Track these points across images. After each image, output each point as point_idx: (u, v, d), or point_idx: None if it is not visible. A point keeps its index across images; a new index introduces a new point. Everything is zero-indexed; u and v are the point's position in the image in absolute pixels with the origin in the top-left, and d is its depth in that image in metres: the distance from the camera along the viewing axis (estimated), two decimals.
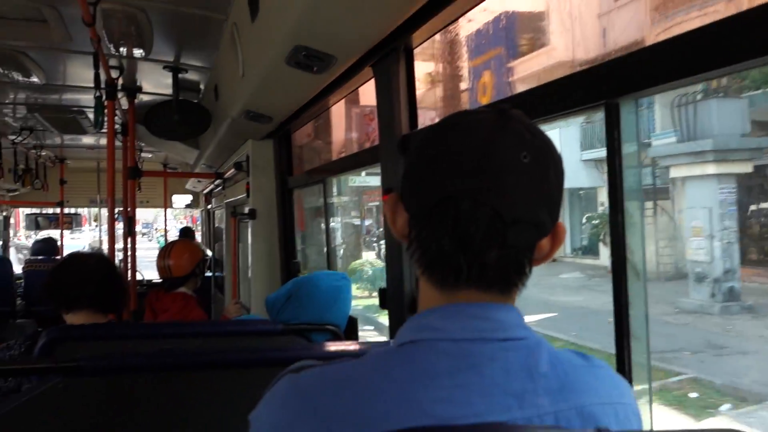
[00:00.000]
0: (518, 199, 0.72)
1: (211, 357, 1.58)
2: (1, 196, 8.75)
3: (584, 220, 15.09)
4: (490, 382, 0.70)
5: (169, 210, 8.91)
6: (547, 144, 0.77)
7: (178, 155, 6.66)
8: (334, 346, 1.67)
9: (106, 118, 3.27)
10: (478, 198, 0.72)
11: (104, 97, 3.60)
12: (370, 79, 2.30)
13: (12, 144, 6.59)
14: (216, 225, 7.57)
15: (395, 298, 2.17)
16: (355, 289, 7.45)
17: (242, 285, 4.91)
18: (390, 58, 2.10)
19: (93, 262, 2.34)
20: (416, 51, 2.13)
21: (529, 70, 2.79)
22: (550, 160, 0.76)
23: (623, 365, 1.14)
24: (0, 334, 6.30)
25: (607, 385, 0.78)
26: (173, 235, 10.80)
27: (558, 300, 10.91)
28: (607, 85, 1.20)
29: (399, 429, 0.65)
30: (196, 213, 13.23)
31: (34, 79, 4.18)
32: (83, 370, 1.44)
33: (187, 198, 9.93)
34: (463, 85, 2.62)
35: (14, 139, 6.48)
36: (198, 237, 9.20)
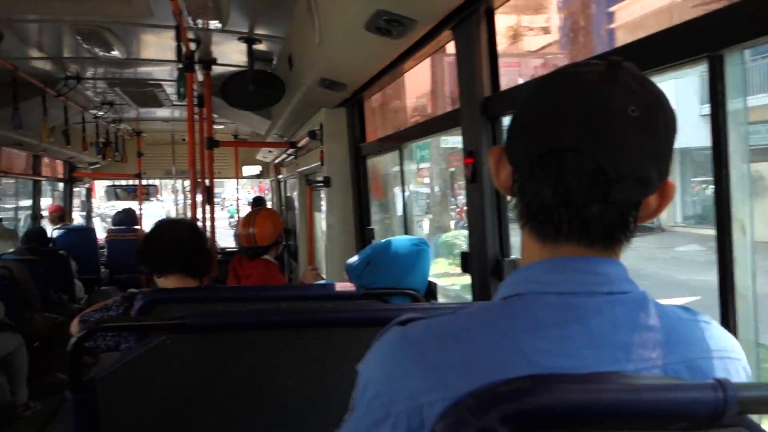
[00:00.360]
0: (624, 153, 0.71)
1: (309, 317, 1.63)
2: (83, 168, 9.16)
3: (699, 184, 13.72)
4: (598, 333, 0.70)
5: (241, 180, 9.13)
6: (659, 97, 0.75)
7: (250, 126, 6.80)
8: (432, 306, 1.70)
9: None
10: (582, 151, 0.71)
11: (184, 70, 3.70)
12: (449, 41, 2.29)
13: (94, 118, 6.86)
14: (287, 194, 7.72)
15: (478, 262, 2.19)
16: (446, 266, 7.26)
17: (316, 252, 5.02)
18: (471, 20, 2.08)
19: (184, 228, 2.45)
20: (498, 10, 2.11)
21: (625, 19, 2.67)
22: (661, 115, 0.74)
23: (728, 323, 1.13)
24: (87, 300, 6.68)
25: (715, 339, 0.77)
26: (243, 205, 11.04)
27: (691, 279, 9.24)
28: (711, 36, 1.17)
29: (510, 378, 0.65)
30: (264, 183, 13.48)
31: (116, 54, 4.33)
32: (188, 328, 1.51)
33: (256, 169, 10.14)
34: (550, 39, 2.57)
35: (96, 113, 6.75)
36: (268, 206, 9.39)
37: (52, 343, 5.27)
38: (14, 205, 7.51)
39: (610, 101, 0.72)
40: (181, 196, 10.94)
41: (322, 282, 3.44)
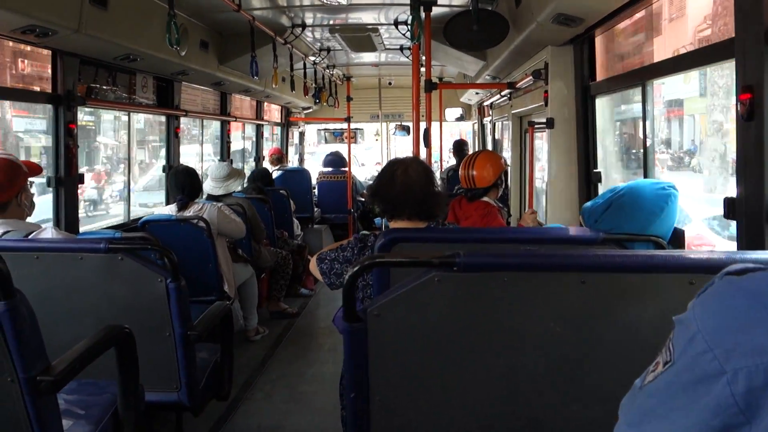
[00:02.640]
0: None
1: (580, 260, 1.58)
2: (297, 113, 9.77)
3: None
4: None
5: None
6: None
7: (460, 67, 6.76)
8: (714, 253, 1.57)
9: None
10: None
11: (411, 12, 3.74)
12: None
13: (312, 64, 7.24)
14: (494, 137, 7.63)
15: (748, 207, 1.99)
16: None
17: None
18: None
19: (414, 172, 2.40)
20: None
21: None
22: None
23: None
24: (303, 237, 7.20)
25: None
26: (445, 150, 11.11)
27: None
28: None
29: None
30: (462, 126, 13.45)
31: (340, 0, 4.50)
32: (458, 266, 1.54)
33: (457, 111, 10.14)
34: None
35: (314, 59, 7.11)
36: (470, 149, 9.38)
37: (276, 274, 5.77)
38: (241, 148, 8.21)
39: None
40: (384, 140, 11.25)
41: (551, 226, 3.36)
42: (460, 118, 10.25)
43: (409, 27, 3.65)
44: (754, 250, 1.92)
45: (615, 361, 1.50)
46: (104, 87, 4.33)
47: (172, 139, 5.27)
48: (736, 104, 1.98)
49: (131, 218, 4.97)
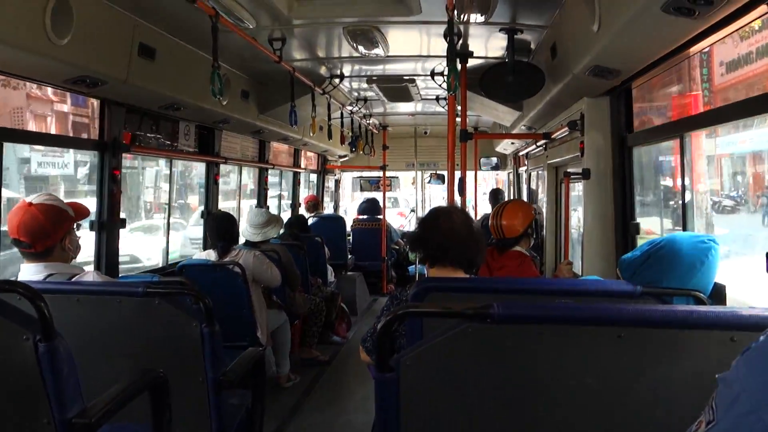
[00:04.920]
0: None
1: (615, 314, 1.56)
2: (333, 161, 9.91)
3: None
4: None
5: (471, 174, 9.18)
6: None
7: (496, 117, 6.81)
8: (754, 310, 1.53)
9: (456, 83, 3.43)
10: None
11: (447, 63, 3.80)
12: (763, 16, 2.05)
13: (349, 114, 7.38)
14: (529, 186, 7.62)
15: None
16: None
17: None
18: None
19: (458, 220, 2.43)
20: None
21: None
22: None
23: None
24: (336, 285, 7.20)
25: None
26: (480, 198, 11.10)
27: None
28: None
29: None
30: (497, 175, 13.45)
31: (378, 51, 4.60)
32: (492, 317, 1.52)
33: (492, 161, 10.16)
34: None
35: (351, 109, 7.25)
36: (505, 197, 9.36)
37: (309, 322, 5.77)
38: (277, 193, 8.34)
39: None
40: (419, 188, 11.30)
41: (588, 278, 3.31)
42: (495, 167, 10.27)
43: (445, 78, 3.71)
44: None
45: (650, 418, 1.46)
46: (148, 134, 4.47)
47: (212, 186, 5.38)
48: None
49: (169, 262, 5.06)
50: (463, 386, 1.63)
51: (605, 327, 1.60)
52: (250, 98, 5.27)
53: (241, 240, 4.85)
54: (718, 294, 2.44)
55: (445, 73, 3.66)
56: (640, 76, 3.21)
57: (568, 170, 4.19)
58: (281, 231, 6.26)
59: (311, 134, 5.85)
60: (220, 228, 4.32)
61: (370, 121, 8.58)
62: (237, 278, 4.07)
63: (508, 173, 9.36)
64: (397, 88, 6.15)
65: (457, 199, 4.60)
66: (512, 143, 7.49)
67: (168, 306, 2.38)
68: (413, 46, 4.75)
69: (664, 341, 1.48)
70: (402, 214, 15.05)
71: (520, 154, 7.50)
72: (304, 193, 8.90)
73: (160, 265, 5.08)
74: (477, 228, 2.54)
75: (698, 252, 2.18)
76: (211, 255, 4.31)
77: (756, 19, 2.15)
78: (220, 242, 4.27)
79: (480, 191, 10.80)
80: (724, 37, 2.41)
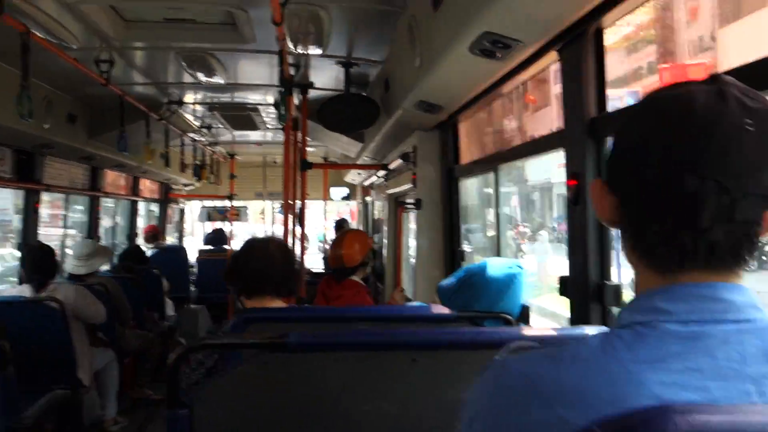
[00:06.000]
0: (745, 171, 0.68)
1: (409, 338, 1.59)
2: (177, 190, 9.55)
3: None
4: (725, 365, 0.66)
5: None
6: None
7: (341, 148, 6.90)
8: (530, 331, 1.63)
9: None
10: (703, 172, 0.68)
11: (283, 92, 3.81)
12: (554, 62, 2.25)
13: (192, 141, 7.16)
14: (374, 216, 7.76)
15: (577, 286, 2.11)
16: None
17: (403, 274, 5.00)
18: (579, 41, 2.03)
19: (275, 249, 2.39)
20: (607, 30, 2.05)
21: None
22: None
23: None
24: (176, 320, 6.88)
25: None
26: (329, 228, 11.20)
27: None
28: None
29: (641, 408, 0.62)
30: (352, 206, 13.64)
31: (217, 79, 4.51)
32: (289, 346, 1.51)
33: (344, 191, 10.28)
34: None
35: (194, 137, 7.04)
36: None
37: (142, 359, 5.45)
38: (111, 224, 7.88)
39: (723, 117, 0.69)
40: (269, 218, 11.17)
41: (415, 304, 3.40)
42: (347, 197, 10.39)
43: (279, 109, 3.71)
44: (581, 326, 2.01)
45: None
46: None
47: (30, 215, 4.96)
48: (567, 190, 2.13)
49: None
50: (261, 418, 1.60)
51: (401, 351, 1.64)
52: (78, 122, 4.94)
53: None
54: (525, 315, 2.60)
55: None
56: (464, 111, 3.39)
57: (401, 200, 4.32)
58: (112, 262, 5.91)
59: (148, 162, 5.60)
60: (35, 260, 3.99)
61: (217, 149, 8.38)
62: (55, 314, 3.76)
63: (358, 203, 9.51)
64: (241, 116, 6.06)
65: (299, 229, 4.59)
66: (359, 174, 7.62)
67: None
68: (254, 74, 4.71)
69: (456, 363, 1.54)
70: None
71: (365, 184, 7.65)
72: (144, 223, 8.49)
73: None
74: (294, 257, 2.54)
75: (505, 278, 2.32)
76: (25, 291, 3.96)
77: (550, 64, 2.34)
78: (36, 276, 3.94)
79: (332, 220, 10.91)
80: (527, 80, 2.61)
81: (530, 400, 0.68)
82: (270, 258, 2.34)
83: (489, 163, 3.16)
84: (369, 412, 1.60)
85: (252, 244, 2.46)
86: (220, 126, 6.81)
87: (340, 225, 8.41)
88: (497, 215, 3.18)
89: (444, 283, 2.41)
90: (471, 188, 4.06)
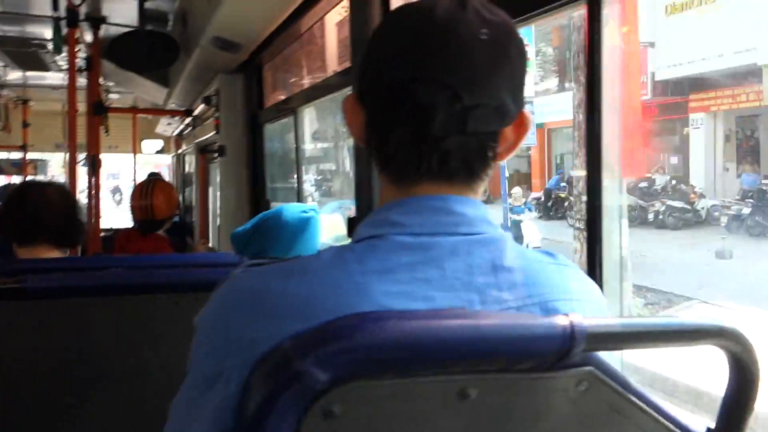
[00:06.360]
0: (478, 79, 0.69)
1: (171, 279, 1.51)
2: None
3: None
4: (452, 276, 0.67)
5: (139, 159, 8.58)
6: (508, 24, 0.73)
7: (147, 94, 6.45)
8: None
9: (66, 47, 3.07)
10: (435, 78, 0.68)
11: (66, 25, 3.41)
12: None
13: None
14: (186, 170, 7.40)
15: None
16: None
17: (212, 227, 4.81)
18: None
19: (52, 191, 2.14)
20: None
21: None
22: (512, 40, 0.72)
23: (594, 269, 1.10)
24: None
25: (574, 282, 0.76)
26: None
27: None
28: None
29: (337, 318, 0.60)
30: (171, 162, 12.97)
31: None
32: (28, 292, 1.35)
33: (158, 143, 9.66)
34: None
35: None
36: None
37: None
38: None
39: (461, 26, 0.70)
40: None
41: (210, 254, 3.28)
42: (161, 151, 9.79)
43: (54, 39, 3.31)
44: None
45: None
46: None
47: None
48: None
49: None
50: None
51: (162, 294, 1.53)
52: None
53: None
54: None
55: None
56: (265, 51, 3.25)
57: (205, 149, 4.12)
58: None
59: None
60: None
61: (4, 93, 7.47)
62: None
63: (172, 156, 9.01)
64: (27, 53, 5.40)
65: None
66: (169, 124, 7.19)
67: None
68: (39, 4, 4.17)
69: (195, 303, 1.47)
70: None
71: (176, 134, 7.24)
72: None
73: None
74: (78, 204, 2.30)
75: (299, 221, 2.26)
76: None
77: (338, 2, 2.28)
78: None
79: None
80: (329, 11, 2.52)
81: (255, 316, 0.65)
82: (47, 203, 2.06)
83: (287, 106, 3.07)
84: (129, 359, 1.49)
85: (25, 185, 2.28)
86: (5, 64, 6.05)
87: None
88: (297, 161, 3.11)
89: (239, 230, 2.31)
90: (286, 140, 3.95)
